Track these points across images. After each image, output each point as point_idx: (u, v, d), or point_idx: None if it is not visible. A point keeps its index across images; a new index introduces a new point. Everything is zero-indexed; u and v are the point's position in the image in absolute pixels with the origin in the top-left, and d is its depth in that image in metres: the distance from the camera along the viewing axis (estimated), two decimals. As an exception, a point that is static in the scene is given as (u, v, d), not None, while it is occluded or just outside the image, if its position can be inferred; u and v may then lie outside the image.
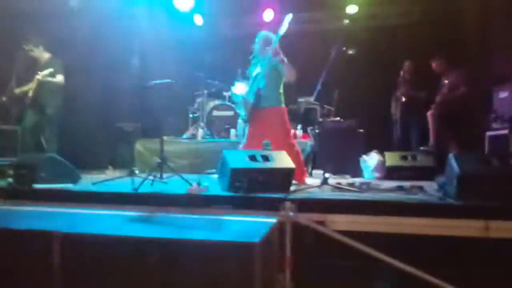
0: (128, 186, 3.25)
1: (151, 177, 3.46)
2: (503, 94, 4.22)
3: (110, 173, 4.69)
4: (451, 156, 2.95)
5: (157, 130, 4.06)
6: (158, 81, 3.69)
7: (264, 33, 4.06)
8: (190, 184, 3.26)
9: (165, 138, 5.42)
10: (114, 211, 2.90)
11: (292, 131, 5.52)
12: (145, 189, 3.25)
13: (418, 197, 3.06)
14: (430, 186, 3.47)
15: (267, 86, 3.93)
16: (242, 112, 4.13)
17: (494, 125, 4.37)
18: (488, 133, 4.47)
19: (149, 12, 6.10)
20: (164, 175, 3.76)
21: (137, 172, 3.75)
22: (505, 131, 3.98)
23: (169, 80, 3.69)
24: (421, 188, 3.34)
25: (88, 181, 3.70)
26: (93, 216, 2.80)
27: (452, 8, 5.79)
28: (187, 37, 6.75)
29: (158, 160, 3.65)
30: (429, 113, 5.03)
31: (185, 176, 3.65)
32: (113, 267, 2.15)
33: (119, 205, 3.00)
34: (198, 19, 6.72)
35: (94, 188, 3.41)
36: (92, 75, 5.46)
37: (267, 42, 3.98)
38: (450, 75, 5.13)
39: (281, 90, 4.02)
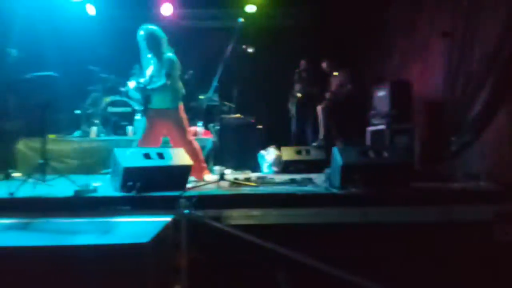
0: (4, 190, 2.91)
1: (32, 180, 3.14)
2: (381, 93, 4.71)
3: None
4: (335, 149, 3.22)
5: (41, 127, 3.68)
6: (37, 74, 3.33)
7: (152, 28, 3.89)
8: (78, 186, 3.03)
9: (52, 136, 5.00)
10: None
11: (193, 128, 5.50)
12: (25, 193, 2.94)
13: (308, 188, 3.26)
14: (319, 178, 3.74)
15: (163, 85, 3.83)
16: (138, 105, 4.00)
17: (374, 121, 4.86)
18: (369, 128, 4.96)
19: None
20: (50, 177, 3.44)
21: (16, 174, 3.37)
22: (383, 127, 4.45)
23: (51, 73, 3.37)
24: (310, 180, 3.58)
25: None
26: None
27: (342, 13, 6.29)
28: (80, 28, 6.26)
29: (41, 161, 3.32)
30: (318, 109, 5.40)
31: (76, 177, 3.39)
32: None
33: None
34: (91, 9, 6.27)
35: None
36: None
37: (157, 38, 3.86)
38: (338, 74, 5.58)
39: (177, 88, 3.95)
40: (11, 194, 2.83)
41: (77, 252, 2.02)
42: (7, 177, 3.19)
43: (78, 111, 5.48)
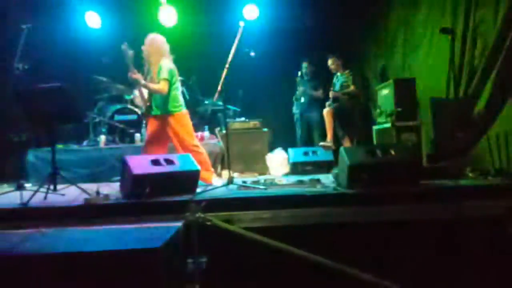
0: (17, 201, 2.96)
1: (43, 190, 3.18)
2: (385, 91, 4.71)
3: (-4, 188, 4.20)
4: (342, 149, 3.23)
5: (50, 138, 3.74)
6: (44, 85, 3.39)
7: (153, 36, 3.97)
8: (88, 194, 3.07)
9: (61, 146, 5.07)
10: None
11: (200, 133, 5.54)
12: (37, 203, 2.98)
13: (316, 189, 3.27)
14: (327, 178, 3.75)
15: (161, 91, 3.86)
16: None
17: (379, 120, 4.86)
18: (375, 127, 4.96)
19: (38, 11, 5.62)
20: (60, 186, 3.49)
21: (27, 185, 3.42)
22: (388, 125, 4.45)
23: (58, 84, 3.42)
24: (318, 181, 3.59)
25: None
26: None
27: (343, 13, 6.31)
28: (84, 38, 6.35)
29: (51, 171, 3.37)
30: (324, 111, 5.42)
31: (85, 185, 3.43)
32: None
33: (6, 223, 2.71)
34: (93, 19, 6.34)
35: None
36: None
37: (157, 46, 3.90)
38: (342, 74, 5.60)
39: (177, 94, 3.96)
40: (24, 204, 2.88)
41: (90, 259, 2.04)
42: (20, 187, 3.23)
43: (86, 121, 5.54)
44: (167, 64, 3.87)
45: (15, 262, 2.00)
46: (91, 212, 2.79)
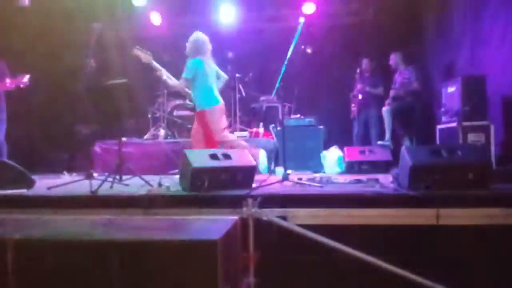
0: (86, 189, 3.16)
1: (110, 179, 3.38)
2: (451, 89, 4.45)
3: (66, 177, 4.52)
4: (403, 149, 3.09)
5: (116, 131, 3.97)
6: (113, 81, 3.60)
7: (195, 34, 4.04)
8: (151, 185, 3.21)
9: (124, 139, 5.35)
10: (71, 215, 2.81)
11: (255, 129, 5.59)
12: (104, 191, 3.17)
13: (375, 189, 3.17)
14: (386, 178, 3.62)
15: (195, 88, 3.96)
16: None
17: (444, 119, 4.60)
18: (439, 126, 4.71)
19: (105, 11, 5.96)
20: (124, 177, 3.69)
21: (95, 175, 3.65)
22: (454, 124, 4.20)
23: (124, 80, 3.62)
24: (377, 181, 3.47)
25: (44, 186, 3.55)
26: (49, 221, 2.70)
27: (406, 6, 6.04)
28: (146, 36, 6.63)
29: (117, 162, 3.57)
30: (383, 109, 5.24)
31: (146, 177, 3.59)
32: (72, 273, 2.09)
33: (76, 209, 2.91)
34: (156, 18, 6.61)
35: (49, 193, 3.28)
36: (44, 76, 5.26)
37: (195, 44, 3.97)
38: (404, 71, 5.37)
39: (204, 92, 3.97)
40: (93, 192, 3.07)
41: (153, 247, 2.13)
42: (89, 177, 3.46)
43: (147, 115, 5.81)
44: (190, 60, 3.91)
45: (82, 247, 2.13)
46: (153, 202, 2.92)
